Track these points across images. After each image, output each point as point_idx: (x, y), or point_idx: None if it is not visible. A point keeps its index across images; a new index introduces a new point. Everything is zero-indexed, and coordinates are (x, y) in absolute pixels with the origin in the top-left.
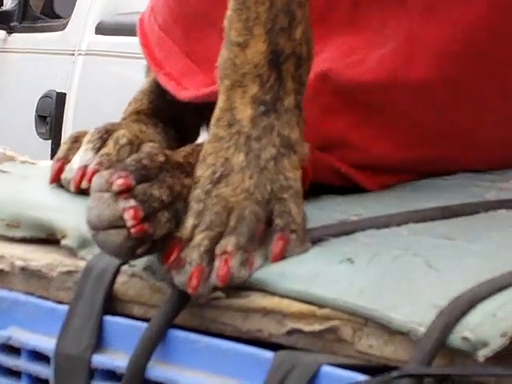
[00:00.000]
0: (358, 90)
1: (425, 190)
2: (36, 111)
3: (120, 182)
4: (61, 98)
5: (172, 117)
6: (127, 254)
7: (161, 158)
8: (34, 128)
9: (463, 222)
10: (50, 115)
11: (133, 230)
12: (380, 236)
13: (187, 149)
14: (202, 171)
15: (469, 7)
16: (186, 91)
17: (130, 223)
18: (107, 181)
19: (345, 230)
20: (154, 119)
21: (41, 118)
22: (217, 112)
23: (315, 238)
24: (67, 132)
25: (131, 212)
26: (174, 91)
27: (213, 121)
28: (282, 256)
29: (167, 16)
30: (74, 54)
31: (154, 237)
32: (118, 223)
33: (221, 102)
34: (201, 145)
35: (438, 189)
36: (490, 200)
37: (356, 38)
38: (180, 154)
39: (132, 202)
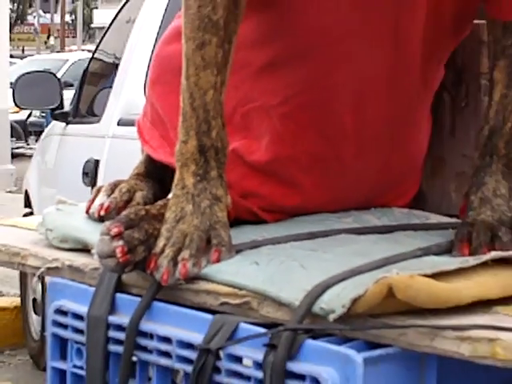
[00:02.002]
0: (259, 165)
1: (302, 222)
2: (83, 169)
3: (115, 230)
4: (96, 163)
5: (158, 177)
6: (119, 271)
7: (142, 212)
8: (82, 179)
9: (322, 241)
10: (90, 172)
11: (120, 259)
12: (274, 249)
13: (161, 203)
14: (168, 215)
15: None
16: (159, 156)
17: (118, 255)
18: (108, 228)
19: (254, 245)
20: (146, 178)
21: (85, 174)
22: (175, 181)
23: (237, 249)
24: (99, 183)
25: (120, 249)
26: (153, 155)
27: (173, 185)
28: (217, 261)
29: (152, 117)
30: (104, 137)
31: (135, 261)
32: (112, 255)
33: (177, 175)
34: (168, 199)
35: (310, 222)
36: (337, 228)
37: (248, 134)
38: (156, 207)
39: (121, 242)
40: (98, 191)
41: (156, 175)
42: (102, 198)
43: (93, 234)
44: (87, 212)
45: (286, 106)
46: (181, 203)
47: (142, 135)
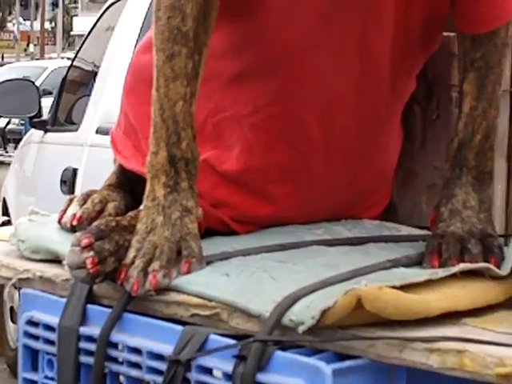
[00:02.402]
0: (230, 175)
1: (273, 233)
2: (61, 178)
3: (85, 241)
4: (74, 171)
5: (129, 188)
6: (90, 282)
7: (113, 224)
8: (60, 188)
9: (292, 253)
10: (68, 181)
11: (91, 270)
12: (245, 260)
13: (132, 214)
14: (139, 226)
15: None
16: (131, 166)
17: (89, 266)
18: (78, 239)
19: (225, 256)
20: (118, 189)
21: (63, 182)
22: (146, 192)
23: (208, 261)
24: (77, 192)
25: (90, 259)
26: (125, 165)
27: (144, 197)
28: (188, 272)
29: (125, 127)
30: (82, 146)
31: (105, 272)
32: (82, 266)
33: (147, 186)
34: (139, 211)
35: (280, 233)
36: (308, 240)
37: (219, 144)
38: (126, 219)
39: (91, 253)
40: (71, 201)
41: (128, 186)
42: (74, 208)
43: (64, 244)
44: (59, 222)
45: (257, 116)
46: (151, 215)
47: (115, 145)
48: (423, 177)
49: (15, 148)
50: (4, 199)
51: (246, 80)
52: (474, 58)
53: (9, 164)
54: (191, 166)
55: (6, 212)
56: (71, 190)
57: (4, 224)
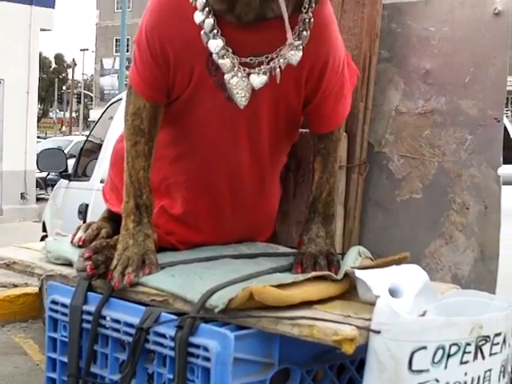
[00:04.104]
0: (177, 216)
1: (202, 250)
2: (78, 209)
3: (86, 254)
4: (87, 206)
5: (115, 220)
6: (89, 280)
7: (104, 244)
8: (77, 216)
9: (213, 263)
10: (83, 211)
11: (89, 273)
12: (185, 268)
13: (115, 238)
14: (119, 246)
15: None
16: (115, 209)
17: (88, 270)
18: (82, 253)
19: (172, 264)
20: (108, 220)
21: (79, 212)
22: (122, 225)
23: (161, 267)
24: (88, 219)
25: (89, 266)
26: (111, 209)
27: (121, 228)
28: (149, 274)
29: (110, 185)
30: (92, 190)
31: (99, 274)
32: (84, 269)
33: (123, 222)
34: (119, 236)
35: (207, 250)
36: (223, 255)
37: (170, 197)
38: (113, 240)
39: (90, 262)
40: (79, 228)
41: (114, 219)
42: (80, 233)
43: (74, 255)
44: (72, 241)
45: (188, 182)
46: (125, 239)
47: (105, 196)
48: (294, 217)
49: (52, 190)
50: (43, 222)
51: (181, 160)
52: (319, 148)
53: (47, 199)
54: (149, 209)
55: (44, 229)
56: (84, 217)
57: (43, 238)
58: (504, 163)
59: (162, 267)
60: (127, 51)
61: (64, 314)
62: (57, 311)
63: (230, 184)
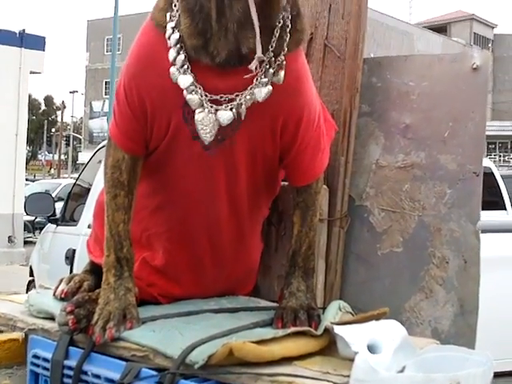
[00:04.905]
0: (158, 268)
1: (183, 304)
2: (65, 254)
3: (68, 308)
4: (74, 251)
5: (97, 273)
6: (71, 334)
7: (86, 297)
8: (64, 260)
9: (194, 317)
10: (70, 256)
11: (71, 327)
12: (165, 322)
13: (97, 291)
14: (100, 300)
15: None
16: (98, 260)
17: (70, 325)
18: (64, 307)
19: (153, 319)
20: (90, 273)
21: (66, 257)
22: (103, 279)
23: (142, 321)
24: (75, 264)
25: (71, 320)
26: (94, 260)
27: (102, 282)
28: (130, 328)
29: (94, 237)
30: (79, 235)
31: (80, 328)
32: (66, 324)
33: (104, 276)
34: (101, 290)
35: (187, 304)
36: (204, 309)
37: (151, 249)
38: (94, 294)
39: (72, 316)
40: (61, 281)
41: (96, 272)
42: (63, 286)
43: (56, 309)
44: (54, 294)
45: (169, 233)
46: (107, 293)
47: (89, 248)
48: (276, 270)
49: (39, 233)
50: (30, 266)
51: (161, 210)
52: (298, 201)
53: (35, 243)
54: (130, 262)
55: (32, 274)
56: (71, 262)
57: (30, 283)
58: (493, 209)
59: (143, 322)
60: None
61: (45, 369)
62: (38, 365)
63: (208, 235)
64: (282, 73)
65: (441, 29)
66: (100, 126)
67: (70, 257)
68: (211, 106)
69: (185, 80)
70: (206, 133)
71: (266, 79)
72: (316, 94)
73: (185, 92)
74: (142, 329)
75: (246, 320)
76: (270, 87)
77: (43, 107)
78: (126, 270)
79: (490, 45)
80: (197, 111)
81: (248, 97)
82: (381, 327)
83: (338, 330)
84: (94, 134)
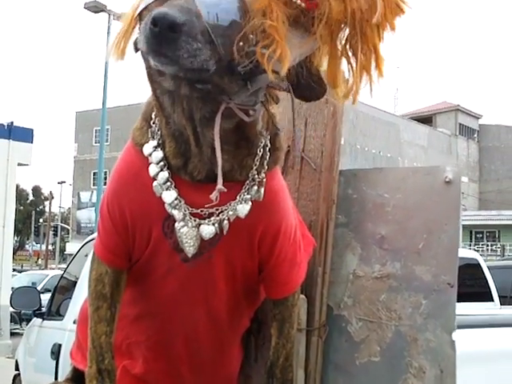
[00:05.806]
0: (138, 375)
1: None
2: (51, 349)
3: None
4: (59, 346)
5: (79, 380)
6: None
7: None
8: (50, 356)
9: None
10: (56, 351)
11: None
12: None
13: None
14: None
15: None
16: (81, 367)
17: None
18: None
19: None
20: (72, 382)
21: (52, 352)
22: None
23: None
24: (61, 358)
25: None
26: (78, 366)
27: None
28: None
29: (78, 344)
30: (65, 330)
31: None
32: None
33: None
34: None
35: None
36: None
37: (131, 357)
38: None
39: None
40: None
41: (79, 379)
42: None
43: None
44: None
45: (148, 341)
46: None
47: (72, 355)
48: (256, 380)
49: (26, 324)
50: (16, 360)
51: (141, 319)
52: (275, 313)
53: (22, 334)
54: (111, 373)
55: (17, 368)
56: (57, 357)
57: (16, 376)
58: (480, 300)
59: None
60: (104, 185)
61: None
62: None
63: (187, 346)
64: (262, 190)
65: (426, 119)
66: (88, 217)
67: (56, 352)
68: (194, 220)
69: (169, 195)
70: (190, 246)
71: (248, 196)
72: (293, 208)
73: (167, 206)
74: None
75: None
76: (250, 203)
77: (31, 197)
78: (108, 382)
79: (475, 135)
80: (179, 225)
81: (231, 212)
82: None
83: None
84: (82, 225)
